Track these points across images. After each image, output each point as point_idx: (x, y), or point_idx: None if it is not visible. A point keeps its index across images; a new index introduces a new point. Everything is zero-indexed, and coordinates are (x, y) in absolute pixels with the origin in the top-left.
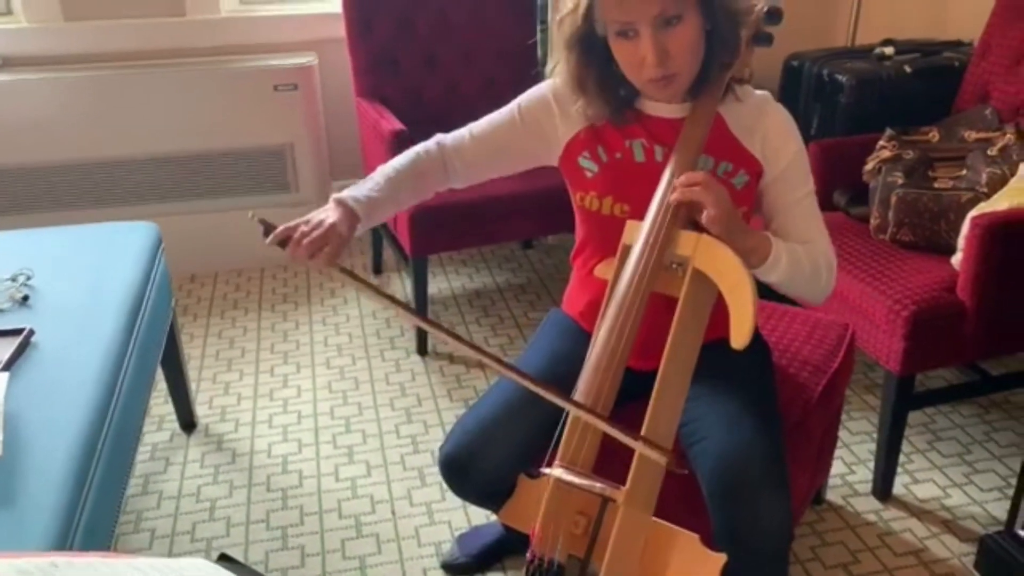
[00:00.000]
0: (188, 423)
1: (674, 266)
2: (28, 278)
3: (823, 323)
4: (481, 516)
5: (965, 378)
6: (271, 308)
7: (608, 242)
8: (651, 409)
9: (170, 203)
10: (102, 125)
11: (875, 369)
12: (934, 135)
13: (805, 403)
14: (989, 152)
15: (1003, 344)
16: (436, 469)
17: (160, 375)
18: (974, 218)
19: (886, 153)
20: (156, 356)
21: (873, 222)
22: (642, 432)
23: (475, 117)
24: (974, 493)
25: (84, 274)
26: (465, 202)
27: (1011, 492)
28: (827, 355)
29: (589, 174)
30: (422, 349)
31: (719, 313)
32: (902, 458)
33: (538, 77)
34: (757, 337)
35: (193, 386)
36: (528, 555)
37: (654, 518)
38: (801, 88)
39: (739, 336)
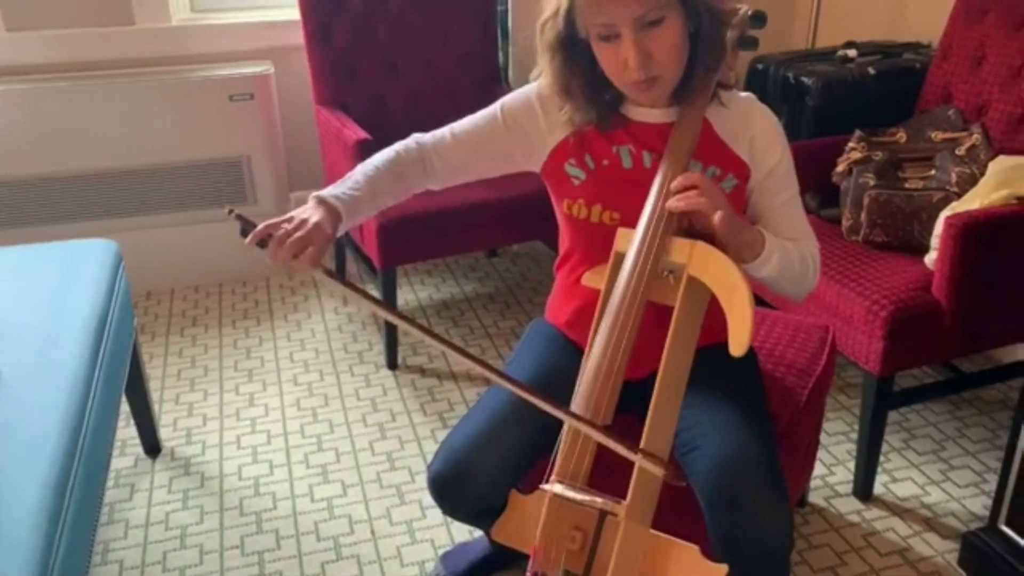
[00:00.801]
0: (152, 447)
1: (666, 274)
2: None
3: (804, 326)
4: (464, 533)
5: (938, 376)
6: (232, 324)
7: (597, 250)
8: (649, 421)
9: (123, 218)
10: (48, 139)
11: (847, 369)
12: (901, 136)
13: (793, 408)
14: (957, 152)
15: (979, 341)
16: (414, 486)
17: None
18: (948, 218)
19: (856, 154)
20: (122, 381)
21: (845, 223)
22: (641, 445)
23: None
24: (952, 490)
25: (43, 297)
26: (435, 211)
27: (987, 487)
28: (811, 358)
29: (576, 181)
30: (392, 363)
31: (709, 318)
32: (880, 457)
33: (507, 91)
34: None
35: (155, 408)
36: (529, 574)
37: (652, 530)
38: (767, 91)
39: (738, 344)
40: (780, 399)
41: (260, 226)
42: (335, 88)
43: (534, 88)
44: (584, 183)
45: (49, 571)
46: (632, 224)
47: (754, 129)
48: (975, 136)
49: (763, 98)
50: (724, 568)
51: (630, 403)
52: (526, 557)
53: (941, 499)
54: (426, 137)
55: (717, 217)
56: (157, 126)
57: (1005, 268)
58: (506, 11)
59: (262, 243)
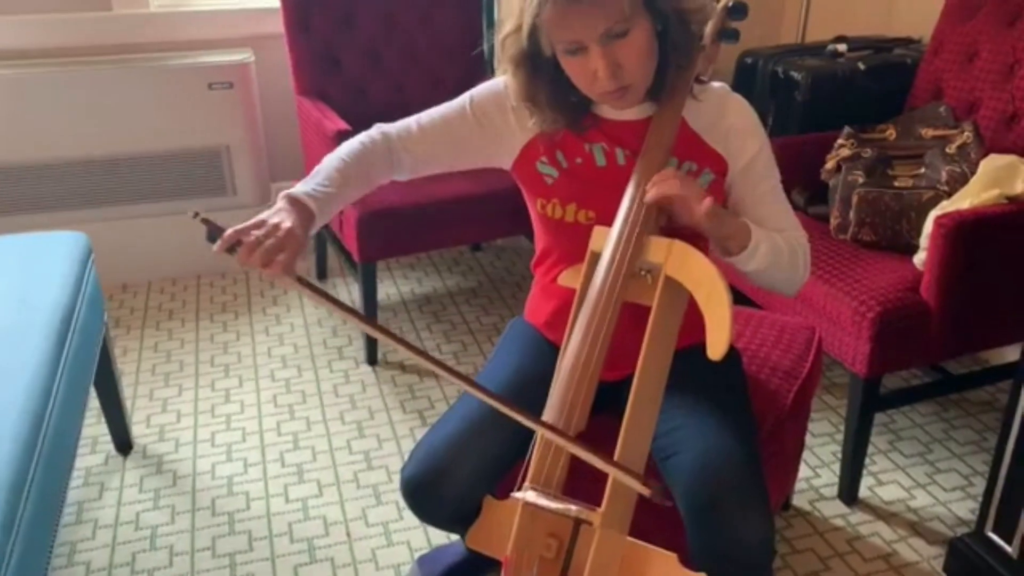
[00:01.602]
0: (124, 444)
1: (643, 273)
2: None
3: (790, 327)
4: (442, 536)
5: (925, 377)
6: (209, 318)
7: (573, 250)
8: (624, 430)
9: (99, 209)
10: (22, 128)
11: (834, 368)
12: (891, 133)
13: (778, 412)
14: (947, 150)
15: (967, 343)
16: (392, 486)
17: (92, 393)
18: (938, 218)
19: (845, 151)
20: (88, 377)
21: (834, 221)
22: (615, 456)
23: None
24: (938, 493)
25: (6, 290)
26: (416, 205)
27: (974, 491)
28: (796, 360)
29: (549, 180)
30: (372, 358)
31: (690, 319)
32: (865, 460)
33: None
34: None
35: (128, 404)
36: None
37: (629, 538)
38: (756, 86)
39: (716, 347)
40: (764, 402)
41: (229, 231)
42: (316, 78)
43: (504, 81)
44: (557, 182)
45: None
46: (608, 223)
47: (729, 120)
48: (966, 134)
49: (751, 92)
50: None
51: (609, 404)
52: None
53: (927, 503)
54: (391, 128)
55: (701, 206)
56: (134, 114)
57: (995, 269)
58: (492, 2)
59: (231, 249)
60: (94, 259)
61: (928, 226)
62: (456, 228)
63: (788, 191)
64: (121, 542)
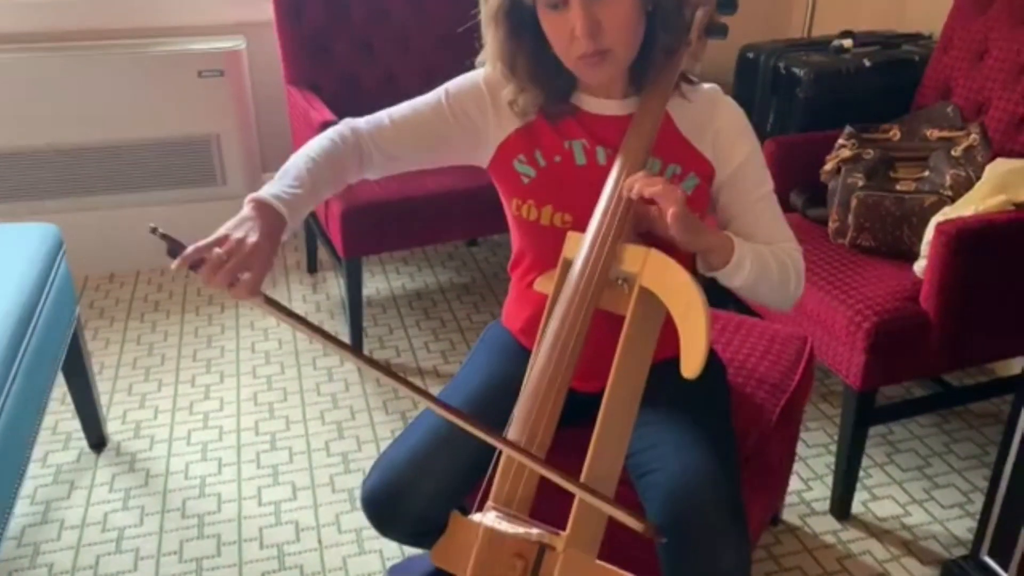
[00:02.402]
0: (97, 441)
1: (619, 282)
2: None
3: (781, 335)
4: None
5: (924, 389)
6: (195, 311)
7: (549, 254)
8: (592, 449)
9: (88, 197)
10: (6, 114)
11: (831, 376)
12: (895, 133)
13: (763, 428)
14: (952, 152)
15: (967, 356)
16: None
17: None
18: (939, 225)
19: (846, 152)
20: (50, 374)
21: (832, 225)
22: (582, 476)
23: None
24: (935, 510)
25: None
26: (402, 200)
27: (972, 508)
28: (785, 372)
29: (526, 179)
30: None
31: (670, 330)
32: (860, 473)
33: (473, 65)
34: (711, 354)
35: (105, 399)
36: None
37: (599, 562)
38: (757, 81)
39: (691, 365)
40: (749, 417)
41: (190, 249)
42: (306, 67)
43: (483, 72)
44: (534, 182)
45: None
46: (584, 226)
47: (719, 123)
48: (973, 136)
49: (752, 88)
50: None
51: (583, 416)
52: None
53: (923, 520)
54: (361, 123)
55: (671, 213)
56: (123, 102)
57: (998, 279)
58: None
59: (194, 265)
60: (65, 251)
61: (929, 233)
62: (444, 224)
63: (786, 192)
64: (87, 544)
